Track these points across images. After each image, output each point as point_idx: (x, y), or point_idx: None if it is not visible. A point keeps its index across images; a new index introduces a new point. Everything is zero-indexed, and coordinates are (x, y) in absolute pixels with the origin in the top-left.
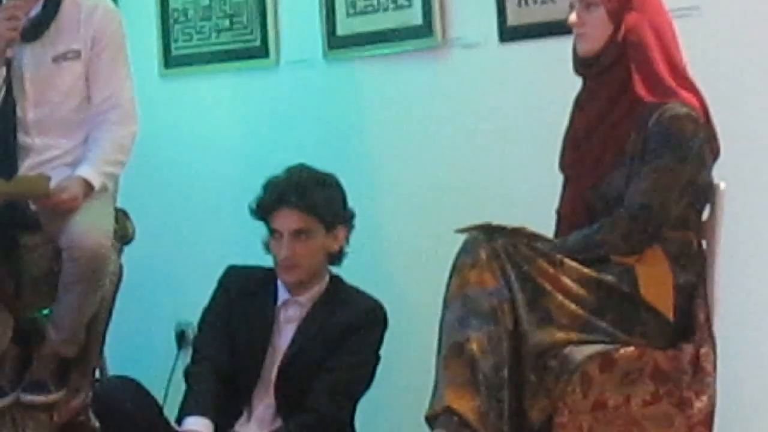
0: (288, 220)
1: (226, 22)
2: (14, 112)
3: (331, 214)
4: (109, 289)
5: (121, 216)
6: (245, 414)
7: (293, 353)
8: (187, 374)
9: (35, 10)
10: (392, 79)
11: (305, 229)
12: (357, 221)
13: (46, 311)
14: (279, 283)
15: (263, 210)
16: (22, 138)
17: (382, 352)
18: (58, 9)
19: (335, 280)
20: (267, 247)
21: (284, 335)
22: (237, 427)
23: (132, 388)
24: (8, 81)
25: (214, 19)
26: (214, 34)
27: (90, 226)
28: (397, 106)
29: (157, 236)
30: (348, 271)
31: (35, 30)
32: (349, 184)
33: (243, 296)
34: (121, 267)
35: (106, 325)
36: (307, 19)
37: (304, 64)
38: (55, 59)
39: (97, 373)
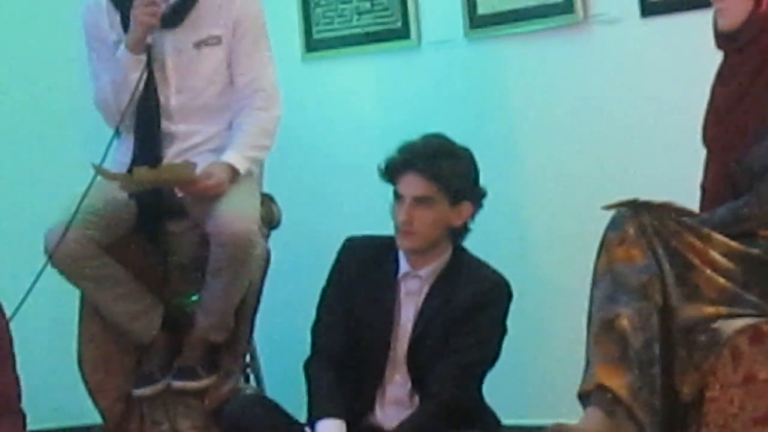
0: (412, 184)
1: (367, 5)
2: (157, 99)
3: (458, 186)
4: (257, 274)
5: (267, 200)
6: (379, 396)
7: (420, 330)
8: (307, 370)
9: None
10: (534, 57)
11: (427, 196)
12: (500, 201)
13: (194, 297)
14: (400, 254)
15: (391, 172)
16: (165, 125)
17: (531, 330)
18: None
19: (459, 252)
20: (392, 213)
21: (405, 309)
22: (377, 410)
23: (258, 403)
24: (149, 68)
25: (354, 2)
26: (355, 17)
27: (236, 212)
28: (539, 84)
29: (302, 220)
30: (492, 251)
31: (176, 16)
32: (492, 163)
33: (364, 267)
34: (268, 251)
35: (255, 309)
36: None
37: (445, 44)
38: (197, 45)
39: (247, 358)
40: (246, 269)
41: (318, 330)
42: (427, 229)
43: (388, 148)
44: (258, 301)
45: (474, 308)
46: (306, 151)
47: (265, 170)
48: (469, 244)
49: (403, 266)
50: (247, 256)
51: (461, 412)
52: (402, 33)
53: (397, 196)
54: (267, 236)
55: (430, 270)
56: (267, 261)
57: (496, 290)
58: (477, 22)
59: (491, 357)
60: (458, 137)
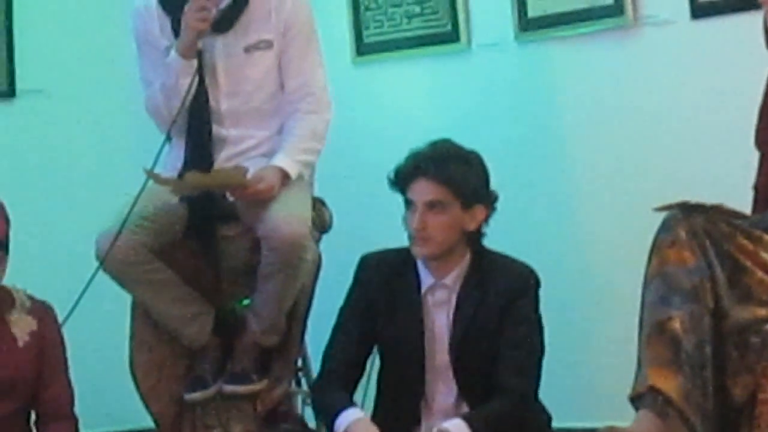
0: (423, 190)
1: (417, 8)
2: (208, 104)
3: (469, 190)
4: (308, 278)
5: (318, 204)
6: (423, 408)
7: (460, 337)
8: (314, 392)
9: (226, 1)
10: (584, 59)
11: (439, 201)
12: (549, 202)
13: (246, 302)
14: (420, 266)
15: (400, 180)
16: (216, 130)
17: (582, 332)
18: None
19: (479, 253)
20: (405, 222)
21: (438, 320)
22: (423, 423)
23: None
24: (200, 72)
25: (404, 6)
26: (405, 20)
27: (287, 215)
28: (589, 86)
29: (353, 224)
30: (541, 253)
31: (226, 21)
32: (542, 166)
33: (385, 283)
34: (319, 255)
35: (306, 313)
36: (498, 1)
37: (495, 47)
38: (247, 49)
39: (299, 362)
40: (297, 273)
41: (330, 352)
42: (441, 234)
43: None
44: (309, 304)
45: (509, 303)
46: (356, 154)
47: (315, 174)
48: (518, 245)
49: (426, 278)
50: (298, 260)
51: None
52: (452, 36)
53: (409, 203)
54: (318, 240)
55: (454, 277)
56: (318, 265)
57: (524, 281)
58: (527, 24)
59: (542, 347)
60: (508, 139)
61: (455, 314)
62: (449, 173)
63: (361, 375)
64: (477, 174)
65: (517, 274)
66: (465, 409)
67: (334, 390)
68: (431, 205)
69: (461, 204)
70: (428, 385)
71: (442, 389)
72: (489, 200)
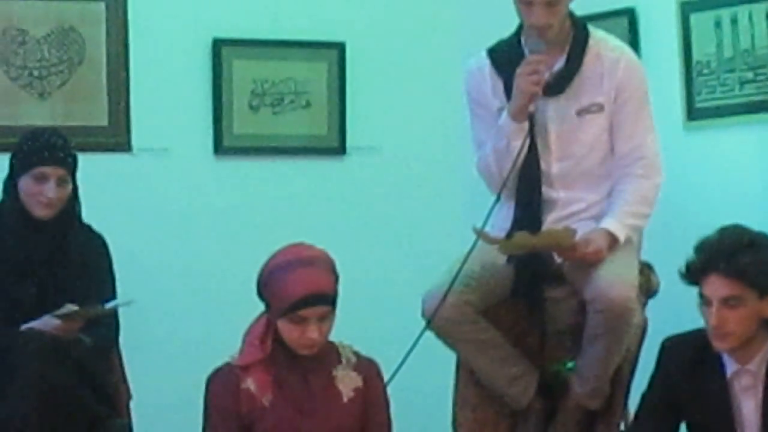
0: (716, 286)
1: (750, 74)
2: (538, 166)
3: (764, 278)
4: (634, 342)
5: (646, 269)
6: None
7: None
8: None
9: (558, 64)
10: None
11: (735, 296)
12: None
13: (570, 364)
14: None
15: (692, 275)
16: (546, 192)
17: None
18: (581, 62)
19: None
20: (701, 313)
21: (746, 406)
22: None
23: None
24: (531, 135)
25: (738, 71)
26: (737, 86)
27: (615, 279)
28: None
29: (679, 290)
30: None
31: (559, 84)
32: None
33: (688, 371)
34: (645, 320)
35: (631, 378)
36: None
37: None
38: (579, 113)
39: (622, 426)
40: (623, 337)
41: None
42: (740, 328)
43: None
44: (633, 369)
45: None
46: (686, 219)
47: (644, 238)
48: None
49: (730, 364)
50: (624, 324)
51: None
52: None
53: (703, 297)
54: (644, 305)
55: (758, 362)
56: (643, 330)
57: None
58: None
59: None
60: None
61: (764, 400)
62: (742, 266)
63: None
64: None
65: None
66: None
67: None
68: (727, 301)
69: (758, 294)
70: None
71: None
72: None
